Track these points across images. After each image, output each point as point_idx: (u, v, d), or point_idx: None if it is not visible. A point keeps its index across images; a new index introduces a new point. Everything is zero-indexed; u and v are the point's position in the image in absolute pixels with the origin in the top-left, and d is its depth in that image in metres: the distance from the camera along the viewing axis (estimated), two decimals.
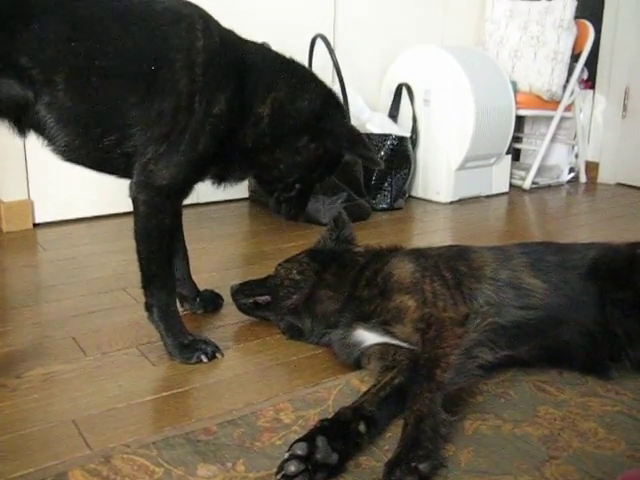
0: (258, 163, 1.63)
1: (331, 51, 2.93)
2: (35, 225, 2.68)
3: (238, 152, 1.59)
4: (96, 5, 1.43)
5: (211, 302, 1.88)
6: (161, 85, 1.44)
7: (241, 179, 1.71)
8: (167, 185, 1.48)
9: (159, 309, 1.57)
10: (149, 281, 1.56)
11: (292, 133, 1.59)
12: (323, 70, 3.22)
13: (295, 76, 1.61)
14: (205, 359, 1.57)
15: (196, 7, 1.53)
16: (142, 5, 1.47)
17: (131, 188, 1.51)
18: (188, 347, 1.58)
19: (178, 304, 1.67)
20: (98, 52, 1.40)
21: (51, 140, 1.45)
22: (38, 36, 1.36)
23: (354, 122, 2.95)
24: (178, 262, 1.75)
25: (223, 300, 1.89)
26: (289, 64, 1.63)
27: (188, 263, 1.82)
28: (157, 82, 1.43)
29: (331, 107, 1.65)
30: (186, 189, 1.56)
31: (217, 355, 1.59)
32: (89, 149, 1.48)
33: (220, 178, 1.66)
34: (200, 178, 1.59)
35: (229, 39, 1.56)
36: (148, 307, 1.58)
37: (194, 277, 1.84)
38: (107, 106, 1.43)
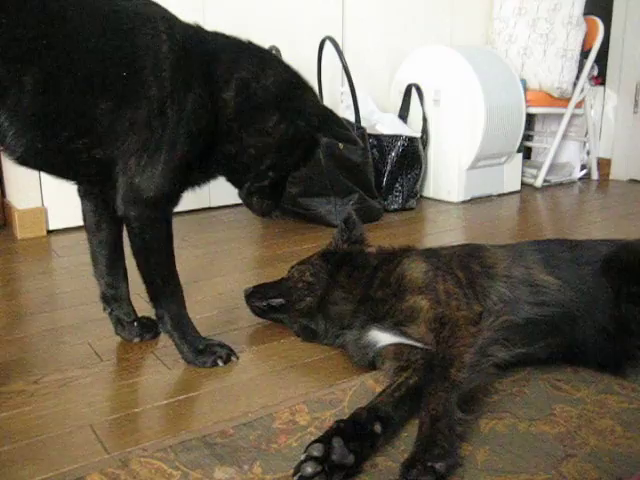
0: (227, 152, 1.56)
1: (340, 53, 2.94)
2: (49, 232, 2.70)
3: (215, 147, 1.54)
4: (64, 3, 1.37)
5: (149, 329, 1.73)
6: (132, 94, 1.40)
7: (214, 176, 1.64)
8: (155, 196, 1.45)
9: (171, 318, 1.56)
10: (156, 293, 1.55)
11: (260, 113, 1.54)
12: (332, 72, 3.24)
13: (256, 56, 1.57)
14: (221, 363, 1.58)
15: (157, 6, 1.49)
16: (107, 5, 1.42)
17: (119, 205, 1.47)
18: (204, 352, 1.58)
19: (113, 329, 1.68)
20: (66, 54, 1.35)
21: (6, 143, 1.37)
22: (3, 35, 1.29)
23: (364, 123, 2.97)
24: (118, 282, 1.69)
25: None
26: (248, 46, 1.59)
27: (128, 284, 1.71)
28: (128, 90, 1.40)
29: (299, 86, 1.61)
30: (175, 196, 1.52)
31: (232, 358, 1.60)
32: (52, 153, 1.42)
33: (200, 179, 1.61)
34: (187, 183, 1.56)
35: (189, 34, 1.51)
36: (159, 318, 1.57)
37: (207, 281, 1.84)
38: (74, 110, 1.37)
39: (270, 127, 1.55)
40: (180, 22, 1.52)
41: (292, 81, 1.60)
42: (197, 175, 1.59)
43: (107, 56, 1.39)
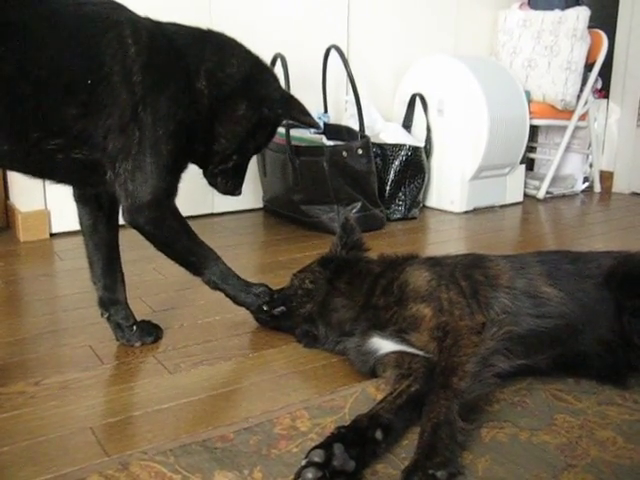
0: (202, 140, 1.59)
1: (345, 62, 2.95)
2: (52, 235, 2.71)
3: (190, 141, 1.56)
4: (25, 7, 1.36)
5: (149, 333, 1.73)
6: (102, 100, 1.41)
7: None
8: (153, 198, 1.48)
9: (218, 279, 1.65)
10: (196, 268, 1.63)
11: (230, 102, 1.58)
12: (337, 81, 3.26)
13: (218, 45, 1.60)
14: (267, 308, 1.71)
15: (122, 9, 1.49)
16: (71, 9, 1.41)
17: (125, 216, 1.51)
18: (258, 295, 1.71)
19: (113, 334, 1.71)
20: (30, 60, 1.34)
21: None
22: None
23: (368, 132, 2.98)
24: (115, 285, 1.70)
25: (162, 331, 1.77)
26: (209, 35, 1.61)
27: (125, 287, 1.73)
28: (98, 97, 1.40)
29: (261, 72, 1.65)
30: (173, 188, 1.55)
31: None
32: (24, 153, 1.42)
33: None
34: (181, 173, 1.58)
35: (154, 33, 1.51)
36: (208, 283, 1.65)
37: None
38: (41, 114, 1.37)
39: (239, 115, 1.60)
40: (145, 22, 1.52)
41: (255, 68, 1.64)
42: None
43: (71, 62, 1.39)
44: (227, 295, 1.70)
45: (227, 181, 1.70)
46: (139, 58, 1.44)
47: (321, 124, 3.05)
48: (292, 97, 1.70)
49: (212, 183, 1.71)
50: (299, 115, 1.68)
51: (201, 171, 1.70)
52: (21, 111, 1.36)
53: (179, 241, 1.59)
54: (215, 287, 1.67)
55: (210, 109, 1.56)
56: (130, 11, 1.51)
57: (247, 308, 1.74)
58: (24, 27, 1.34)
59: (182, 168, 1.59)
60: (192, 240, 1.61)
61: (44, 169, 1.50)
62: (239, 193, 1.74)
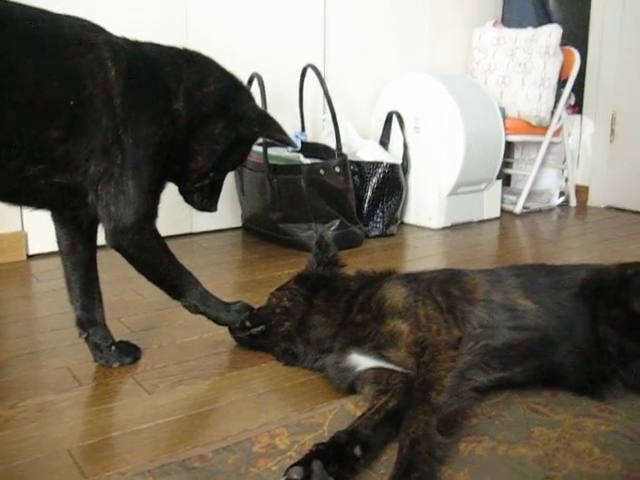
0: (178, 159, 1.61)
1: (322, 81, 2.97)
2: (29, 256, 2.69)
3: (167, 161, 1.57)
4: (2, 29, 1.35)
5: (127, 353, 1.72)
6: (83, 123, 1.41)
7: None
8: (136, 221, 1.49)
9: (198, 301, 1.67)
10: (177, 292, 1.66)
11: (207, 121, 1.60)
12: (314, 99, 3.28)
13: (195, 64, 1.61)
14: (249, 324, 1.73)
15: (100, 31, 1.49)
16: (49, 31, 1.41)
17: (107, 239, 1.51)
18: (238, 312, 1.74)
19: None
20: (7, 83, 1.34)
21: None
22: None
23: (345, 150, 3.00)
24: (93, 305, 1.69)
25: (140, 351, 1.76)
26: (186, 54, 1.63)
27: (103, 308, 1.72)
28: (79, 119, 1.41)
29: (237, 90, 1.66)
30: (154, 211, 1.56)
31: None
32: (5, 180, 1.41)
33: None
34: (160, 194, 1.59)
35: (133, 54, 1.52)
36: (189, 307, 1.68)
37: None
38: (24, 139, 1.37)
39: (216, 134, 1.61)
40: (124, 43, 1.52)
41: (231, 86, 1.66)
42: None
43: (51, 85, 1.39)
44: (209, 317, 1.72)
45: (204, 198, 1.71)
46: (119, 80, 1.45)
47: (298, 143, 3.07)
48: (268, 115, 1.72)
49: (188, 200, 1.72)
50: (275, 133, 1.70)
51: (177, 189, 1.71)
52: (2, 137, 1.36)
53: (161, 264, 1.60)
54: (196, 311, 1.69)
55: (187, 129, 1.57)
56: (108, 33, 1.51)
57: (228, 326, 1.75)
58: (1, 51, 1.34)
59: (161, 189, 1.60)
60: (173, 263, 1.62)
61: (24, 196, 1.49)
62: (215, 209, 1.75)
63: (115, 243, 1.51)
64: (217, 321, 1.73)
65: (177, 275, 1.64)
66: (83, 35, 1.46)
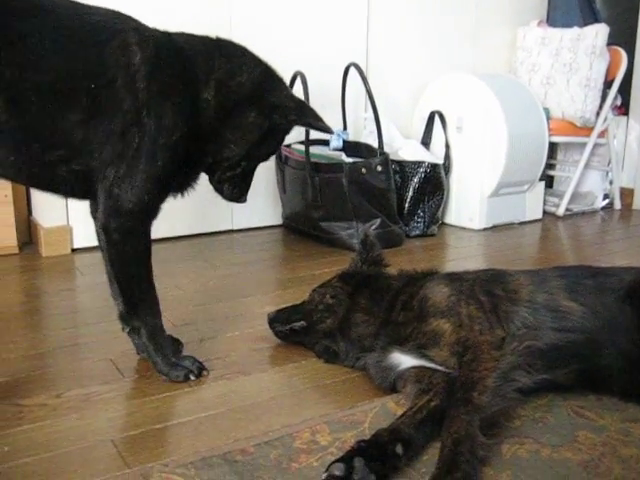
0: (210, 150, 1.60)
1: (364, 79, 2.96)
2: (73, 250, 2.74)
3: (200, 149, 1.57)
4: (30, 17, 1.37)
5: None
6: (104, 105, 1.41)
7: (195, 179, 1.65)
8: (134, 207, 1.46)
9: (147, 331, 1.58)
10: (134, 306, 1.57)
11: (239, 111, 1.58)
12: (356, 98, 3.27)
13: (228, 54, 1.60)
14: (193, 377, 1.59)
15: (128, 19, 1.51)
16: (76, 19, 1.43)
17: (99, 216, 1.49)
18: (177, 366, 1.60)
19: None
20: (33, 67, 1.36)
21: None
22: None
23: (387, 149, 2.99)
24: None
25: (183, 345, 1.74)
26: (219, 44, 1.62)
27: None
28: (100, 102, 1.41)
29: (271, 79, 1.65)
30: (155, 208, 1.53)
31: (203, 372, 1.61)
32: (28, 166, 1.44)
33: (180, 187, 1.63)
34: (167, 194, 1.57)
35: (163, 43, 1.52)
36: (135, 330, 1.60)
37: (229, 302, 1.85)
38: (46, 123, 1.39)
39: (249, 123, 1.59)
40: (153, 32, 1.53)
41: (265, 75, 1.64)
42: (181, 182, 1.61)
43: (74, 68, 1.40)
44: (148, 355, 1.61)
45: (234, 187, 1.69)
46: (144, 66, 1.45)
47: (340, 141, 3.07)
48: (304, 103, 1.71)
49: (218, 189, 1.71)
50: (312, 120, 1.67)
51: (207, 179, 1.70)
52: (24, 122, 1.38)
53: (136, 265, 1.54)
54: (138, 338, 1.62)
55: (218, 118, 1.56)
56: (137, 21, 1.53)
57: (268, 321, 1.74)
58: (28, 36, 1.36)
59: (170, 186, 1.57)
60: (146, 274, 1.56)
61: (48, 182, 1.51)
62: (244, 200, 1.74)
63: (105, 222, 1.47)
64: (155, 364, 1.60)
65: (144, 291, 1.56)
66: (111, 22, 1.47)
